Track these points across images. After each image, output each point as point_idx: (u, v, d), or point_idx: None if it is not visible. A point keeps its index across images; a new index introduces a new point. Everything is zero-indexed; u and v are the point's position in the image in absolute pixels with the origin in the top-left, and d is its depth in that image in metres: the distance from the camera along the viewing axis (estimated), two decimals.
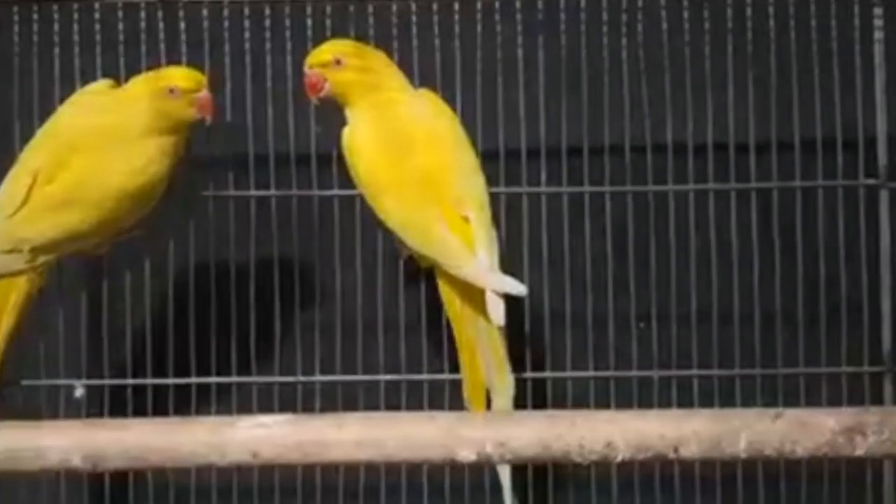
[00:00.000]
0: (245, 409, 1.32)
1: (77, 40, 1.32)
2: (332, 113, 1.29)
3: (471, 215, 1.21)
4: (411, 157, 1.22)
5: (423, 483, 1.34)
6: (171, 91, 1.23)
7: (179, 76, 1.24)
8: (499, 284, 1.18)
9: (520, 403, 1.26)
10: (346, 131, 1.25)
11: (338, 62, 1.23)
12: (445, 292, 1.25)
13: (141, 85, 1.25)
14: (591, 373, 1.34)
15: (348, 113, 1.25)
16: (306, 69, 1.24)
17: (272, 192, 1.34)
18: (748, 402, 1.30)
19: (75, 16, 1.33)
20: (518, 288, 1.18)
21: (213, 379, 1.33)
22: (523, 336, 1.30)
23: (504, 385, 1.24)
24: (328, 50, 1.24)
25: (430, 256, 1.22)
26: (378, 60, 1.25)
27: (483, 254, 1.19)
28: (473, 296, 1.21)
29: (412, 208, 1.21)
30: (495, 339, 1.22)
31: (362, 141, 1.23)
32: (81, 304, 1.35)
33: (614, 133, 1.33)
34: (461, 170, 1.22)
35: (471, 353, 1.25)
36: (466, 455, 1.01)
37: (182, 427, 1.04)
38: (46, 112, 1.28)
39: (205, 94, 1.24)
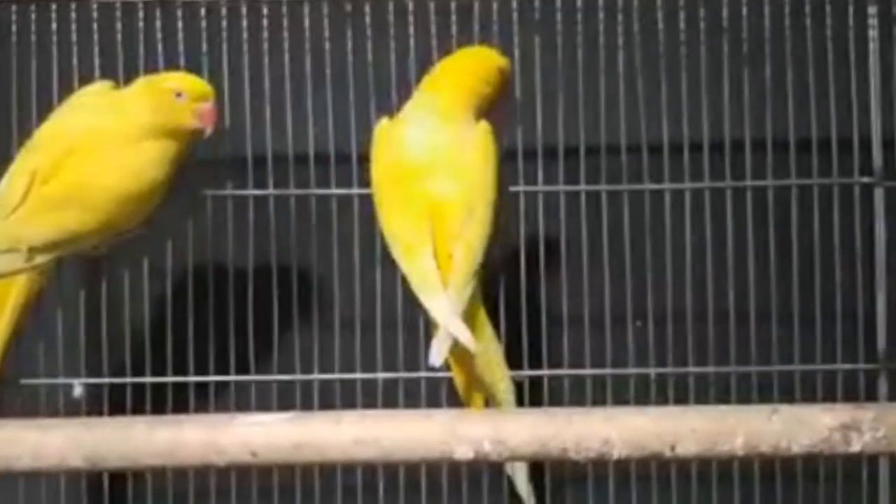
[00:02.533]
0: (244, 407, 1.33)
1: (75, 40, 1.33)
2: (329, 113, 1.30)
3: (455, 256, 1.19)
4: (429, 179, 1.20)
5: (421, 481, 1.35)
6: (178, 95, 1.23)
7: (188, 82, 1.24)
8: (452, 328, 1.15)
9: (517, 401, 1.27)
10: (384, 122, 1.23)
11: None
12: None
13: (144, 86, 1.25)
14: (587, 371, 1.34)
15: (409, 104, 1.24)
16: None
17: (270, 191, 1.34)
18: (744, 399, 1.31)
19: (73, 16, 1.33)
20: (468, 341, 1.15)
21: (212, 378, 1.33)
22: (520, 334, 1.30)
23: (504, 400, 1.23)
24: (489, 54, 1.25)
25: (405, 274, 1.21)
26: (467, 75, 1.24)
27: (452, 294, 1.17)
28: (470, 317, 1.21)
29: (408, 226, 1.20)
30: (492, 357, 1.22)
31: (392, 142, 1.22)
32: (80, 303, 1.35)
33: (611, 132, 1.33)
34: (468, 209, 1.20)
35: (467, 370, 1.25)
36: (464, 453, 1.02)
37: (181, 425, 1.04)
38: (44, 112, 1.28)
39: (210, 105, 1.23)
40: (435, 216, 1.19)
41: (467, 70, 1.24)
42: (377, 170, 1.23)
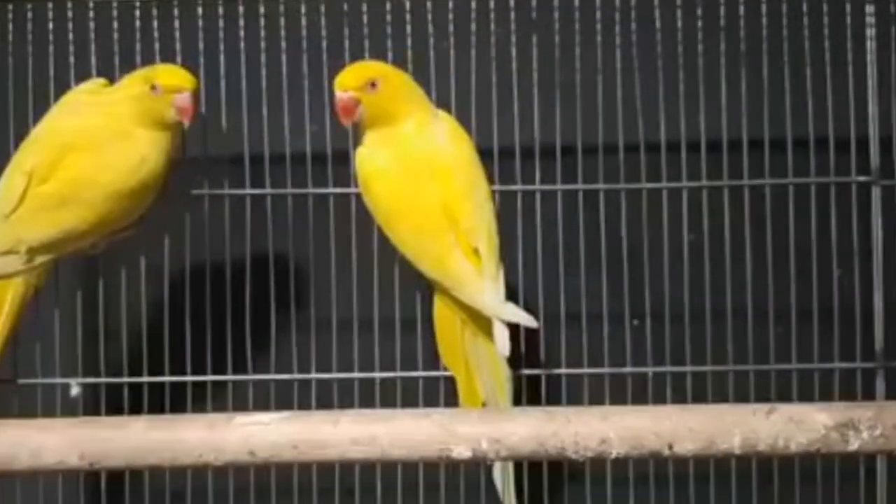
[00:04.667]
0: (241, 406, 1.32)
1: (71, 39, 1.32)
2: (327, 112, 1.30)
3: (480, 247, 1.20)
4: (427, 185, 1.21)
5: (418, 480, 1.35)
6: (154, 88, 1.22)
7: (164, 74, 1.23)
8: (513, 316, 1.18)
9: (515, 400, 1.27)
10: (361, 152, 1.23)
11: (373, 85, 1.21)
12: (444, 315, 1.26)
13: (130, 81, 1.25)
14: (585, 369, 1.34)
15: (367, 133, 1.23)
16: (338, 92, 1.21)
17: (267, 190, 1.34)
18: (742, 398, 1.31)
19: (70, 15, 1.33)
20: (531, 322, 1.18)
21: (209, 377, 1.33)
22: (518, 333, 1.30)
23: (504, 404, 1.24)
24: (363, 72, 1.22)
25: (444, 285, 1.22)
26: (407, 84, 1.24)
27: (492, 284, 1.19)
28: (477, 320, 1.22)
29: (428, 236, 1.20)
30: (496, 361, 1.23)
31: (379, 166, 1.22)
32: (77, 302, 1.35)
33: (608, 131, 1.33)
34: (474, 200, 1.21)
35: (467, 370, 1.26)
36: (462, 452, 1.02)
37: (179, 425, 1.04)
38: (41, 112, 1.28)
39: (184, 96, 1.22)
40: (447, 216, 1.20)
41: (396, 81, 1.23)
42: (376, 197, 1.23)
